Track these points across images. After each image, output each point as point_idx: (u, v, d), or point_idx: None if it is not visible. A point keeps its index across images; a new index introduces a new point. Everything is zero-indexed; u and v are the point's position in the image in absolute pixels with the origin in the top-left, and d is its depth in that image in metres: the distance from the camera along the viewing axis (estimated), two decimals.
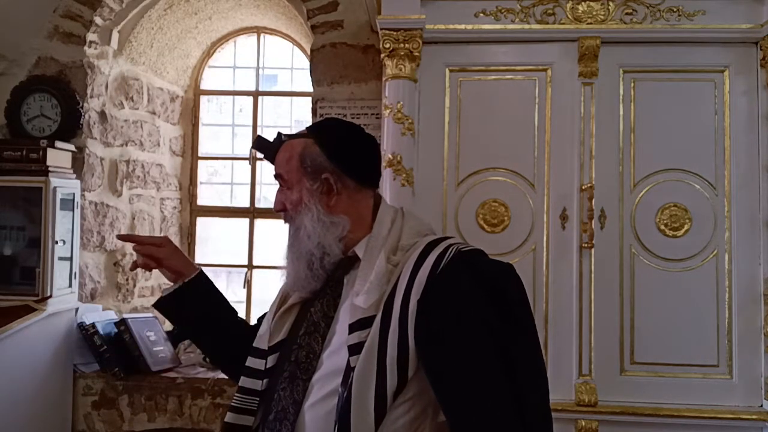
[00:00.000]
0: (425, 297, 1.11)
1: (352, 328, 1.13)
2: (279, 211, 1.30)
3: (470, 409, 1.06)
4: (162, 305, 1.40)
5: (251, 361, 1.27)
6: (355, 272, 1.22)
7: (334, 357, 1.17)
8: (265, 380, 1.24)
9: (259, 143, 1.32)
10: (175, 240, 3.70)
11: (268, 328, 1.28)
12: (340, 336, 1.18)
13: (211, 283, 1.44)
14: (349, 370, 1.11)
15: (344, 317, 1.19)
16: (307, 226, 1.22)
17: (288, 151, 1.27)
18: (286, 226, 1.31)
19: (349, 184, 1.25)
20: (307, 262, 1.22)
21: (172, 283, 1.40)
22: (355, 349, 1.12)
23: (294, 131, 1.33)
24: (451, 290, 1.11)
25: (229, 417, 1.25)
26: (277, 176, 1.29)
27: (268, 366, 1.25)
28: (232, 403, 1.26)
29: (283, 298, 1.31)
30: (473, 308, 1.10)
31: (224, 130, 3.89)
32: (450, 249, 1.15)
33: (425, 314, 1.10)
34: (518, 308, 1.13)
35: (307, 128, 1.33)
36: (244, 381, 1.26)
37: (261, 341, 1.28)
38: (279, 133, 1.31)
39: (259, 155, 1.37)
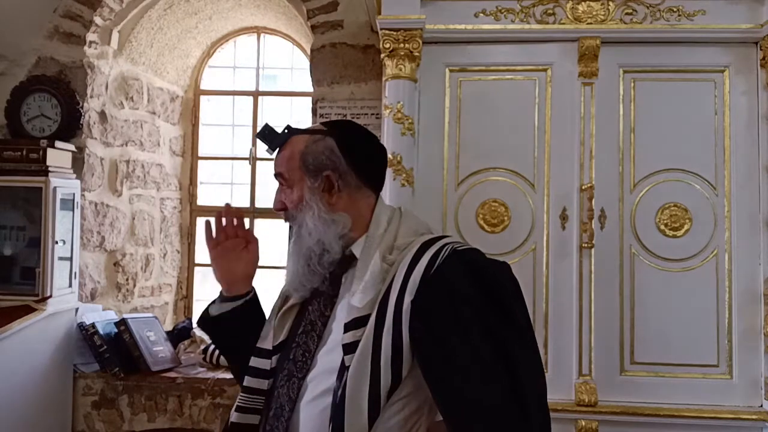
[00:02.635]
0: (420, 296, 1.10)
1: (347, 327, 1.13)
2: (279, 210, 1.30)
3: (471, 408, 1.06)
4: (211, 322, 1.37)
5: (256, 362, 1.27)
6: (353, 271, 1.22)
7: (329, 355, 1.18)
8: (270, 380, 1.25)
9: (266, 131, 1.30)
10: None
11: (271, 328, 1.29)
12: (336, 335, 1.18)
13: (259, 303, 1.41)
14: (343, 368, 1.12)
15: (341, 316, 1.19)
16: (308, 224, 1.22)
17: (289, 149, 1.27)
18: (288, 224, 1.31)
19: (351, 182, 1.24)
20: (306, 259, 1.22)
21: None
22: (349, 348, 1.12)
23: (302, 126, 1.33)
24: (446, 289, 1.11)
25: (234, 417, 1.26)
26: (277, 175, 1.29)
27: (272, 366, 1.26)
28: (238, 403, 1.26)
29: (285, 298, 1.31)
30: (469, 306, 1.09)
31: (224, 130, 3.89)
32: (445, 248, 1.14)
33: (420, 313, 1.10)
34: (514, 306, 1.12)
35: (321, 123, 1.33)
36: (249, 381, 1.27)
37: (265, 341, 1.29)
38: (288, 126, 1.30)
39: (262, 146, 1.34)
